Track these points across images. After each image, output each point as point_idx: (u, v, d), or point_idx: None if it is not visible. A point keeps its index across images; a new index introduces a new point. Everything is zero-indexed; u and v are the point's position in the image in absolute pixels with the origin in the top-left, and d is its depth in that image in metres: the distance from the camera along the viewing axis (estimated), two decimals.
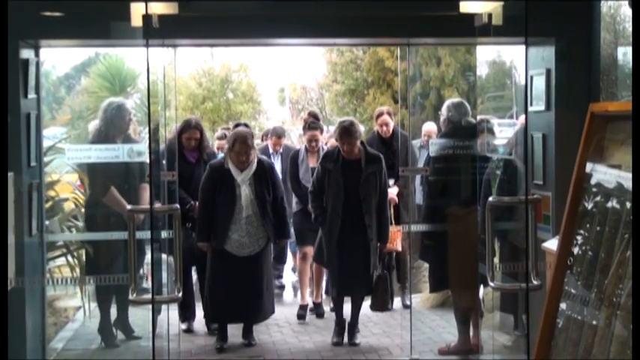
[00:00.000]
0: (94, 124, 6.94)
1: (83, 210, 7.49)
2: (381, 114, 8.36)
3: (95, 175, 6.78)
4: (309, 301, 8.27)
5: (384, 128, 8.23)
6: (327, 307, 8.20)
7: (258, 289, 6.94)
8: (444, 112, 6.94)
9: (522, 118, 6.70)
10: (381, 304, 7.20)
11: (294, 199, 8.28)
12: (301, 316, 8.13)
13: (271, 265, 7.26)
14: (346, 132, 7.01)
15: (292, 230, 8.33)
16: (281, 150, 9.34)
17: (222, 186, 6.90)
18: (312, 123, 8.16)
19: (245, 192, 6.87)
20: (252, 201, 6.87)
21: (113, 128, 6.65)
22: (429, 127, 9.00)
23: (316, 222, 7.22)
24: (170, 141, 7.49)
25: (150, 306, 5.28)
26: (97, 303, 7.07)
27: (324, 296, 8.42)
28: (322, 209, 7.10)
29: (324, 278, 8.34)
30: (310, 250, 7.95)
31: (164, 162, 7.02)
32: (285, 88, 25.63)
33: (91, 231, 6.92)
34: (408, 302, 7.82)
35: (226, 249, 6.85)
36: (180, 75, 18.89)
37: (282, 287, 9.68)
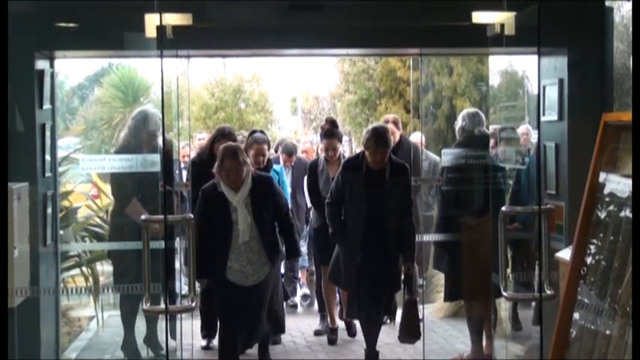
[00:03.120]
0: (123, 134, 6.89)
1: (99, 219, 7.52)
2: (386, 122, 7.90)
3: (120, 185, 6.62)
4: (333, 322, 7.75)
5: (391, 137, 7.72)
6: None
7: (269, 313, 6.25)
8: (458, 121, 6.91)
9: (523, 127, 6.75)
10: (415, 333, 6.40)
11: (313, 213, 7.73)
12: (332, 341, 7.58)
13: (281, 285, 6.68)
14: (382, 140, 6.30)
15: (308, 247, 8.20)
16: (292, 165, 9.19)
17: (217, 212, 6.05)
18: (329, 130, 7.49)
19: (242, 215, 6.01)
20: (249, 225, 6.01)
21: (137, 138, 6.53)
22: (415, 138, 8.73)
23: (334, 237, 6.62)
24: (202, 149, 7.23)
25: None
26: (120, 318, 6.81)
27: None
28: (340, 223, 6.48)
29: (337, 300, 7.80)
30: None
31: (177, 172, 7.04)
32: (298, 97, 25.67)
33: (116, 241, 6.65)
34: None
35: (229, 279, 6.05)
36: (193, 85, 18.96)
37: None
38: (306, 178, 7.83)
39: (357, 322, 7.34)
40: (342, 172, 6.50)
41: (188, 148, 9.12)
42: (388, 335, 7.39)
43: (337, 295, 7.73)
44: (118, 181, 6.66)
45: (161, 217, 5.67)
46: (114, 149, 6.76)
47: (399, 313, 6.63)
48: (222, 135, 7.06)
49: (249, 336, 6.17)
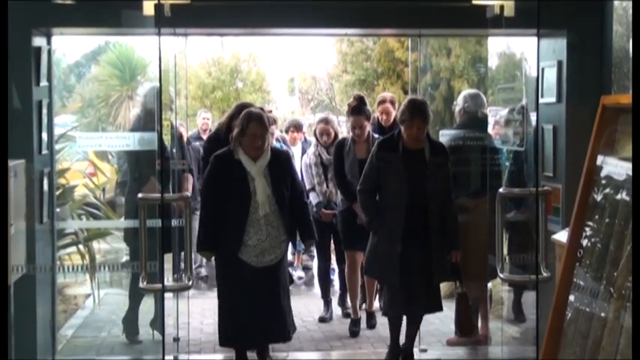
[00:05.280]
0: (134, 112, 6.83)
1: (95, 197, 7.53)
2: (383, 101, 7.79)
3: (134, 163, 6.60)
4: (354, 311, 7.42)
5: (384, 117, 7.70)
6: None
7: (282, 305, 5.83)
8: (459, 102, 6.82)
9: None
10: (469, 328, 6.15)
11: (340, 197, 7.28)
12: (354, 333, 7.22)
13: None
14: (419, 112, 5.77)
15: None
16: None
17: (233, 180, 5.69)
18: (356, 107, 7.03)
19: (261, 186, 5.65)
20: (269, 197, 5.66)
21: (151, 114, 6.39)
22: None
23: (371, 227, 6.05)
24: (219, 126, 6.83)
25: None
26: (128, 294, 6.74)
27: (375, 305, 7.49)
28: (378, 211, 5.95)
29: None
30: (360, 256, 7.02)
31: (174, 150, 7.01)
32: (295, 77, 25.62)
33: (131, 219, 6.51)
34: None
35: (242, 258, 5.68)
36: (190, 64, 18.92)
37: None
38: (333, 158, 7.31)
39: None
40: (376, 154, 5.95)
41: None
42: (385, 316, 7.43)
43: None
44: (135, 159, 6.62)
45: (158, 195, 5.70)
46: (129, 127, 6.64)
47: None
48: (240, 112, 6.41)
49: (259, 328, 5.76)
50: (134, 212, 6.03)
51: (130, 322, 6.71)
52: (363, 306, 7.48)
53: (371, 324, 7.33)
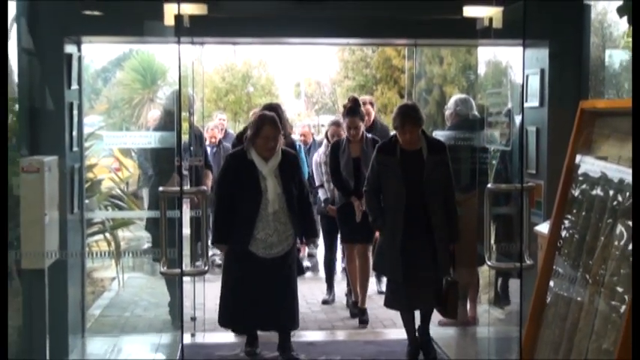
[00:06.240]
0: (152, 113, 6.88)
1: (120, 190, 7.59)
2: (362, 103, 7.41)
3: (154, 159, 6.71)
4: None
5: (365, 118, 7.47)
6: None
7: (289, 292, 5.79)
8: (451, 106, 6.85)
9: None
10: (453, 312, 5.86)
11: (337, 193, 7.20)
12: (355, 315, 7.16)
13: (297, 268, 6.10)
14: (409, 118, 5.63)
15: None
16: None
17: (245, 179, 5.65)
18: (351, 108, 6.93)
19: (272, 184, 5.61)
20: (279, 195, 5.62)
21: (173, 116, 6.43)
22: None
23: (375, 226, 5.97)
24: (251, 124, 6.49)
25: None
26: (165, 283, 6.71)
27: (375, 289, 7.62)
28: (381, 210, 5.80)
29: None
30: (356, 249, 7.10)
31: (191, 148, 7.05)
32: (301, 82, 25.66)
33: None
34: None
35: (251, 250, 5.64)
36: (206, 70, 18.99)
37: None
38: (328, 158, 7.21)
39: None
40: (376, 157, 5.83)
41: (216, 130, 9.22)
42: (381, 298, 7.43)
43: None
44: (155, 156, 6.71)
45: (177, 188, 5.74)
46: (151, 127, 6.70)
47: None
48: (270, 109, 6.29)
49: (264, 313, 5.71)
50: (157, 204, 6.00)
51: (175, 306, 6.60)
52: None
53: (363, 319, 7.04)
